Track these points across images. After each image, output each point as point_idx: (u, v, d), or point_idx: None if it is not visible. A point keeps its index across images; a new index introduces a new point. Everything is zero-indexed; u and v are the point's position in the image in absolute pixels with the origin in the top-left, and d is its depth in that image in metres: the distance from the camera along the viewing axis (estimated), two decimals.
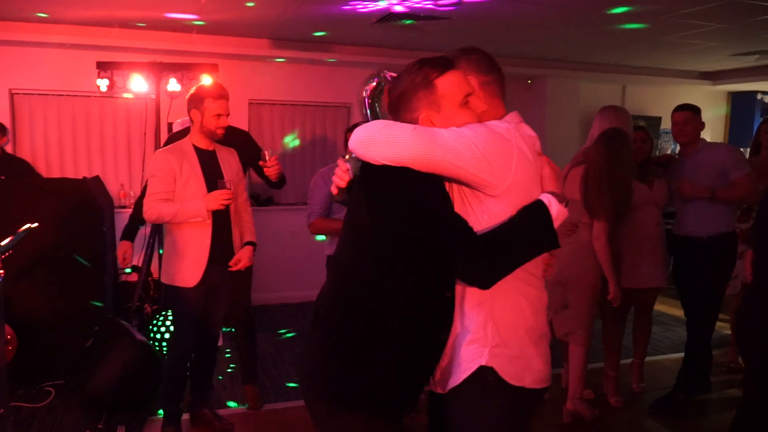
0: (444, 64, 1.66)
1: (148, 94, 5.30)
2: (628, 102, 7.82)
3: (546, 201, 1.61)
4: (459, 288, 1.69)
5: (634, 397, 4.07)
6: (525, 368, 1.66)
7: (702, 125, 3.86)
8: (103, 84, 4.98)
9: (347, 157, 1.75)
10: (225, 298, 3.42)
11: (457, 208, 1.66)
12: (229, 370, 4.46)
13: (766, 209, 2.39)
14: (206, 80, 5.03)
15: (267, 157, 3.49)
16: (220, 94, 3.16)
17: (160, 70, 4.97)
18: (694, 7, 4.22)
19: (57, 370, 4.16)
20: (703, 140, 3.85)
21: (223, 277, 3.33)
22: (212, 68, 5.12)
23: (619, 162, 3.36)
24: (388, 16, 4.67)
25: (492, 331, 1.65)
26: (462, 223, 1.57)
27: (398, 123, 1.62)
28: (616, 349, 4.01)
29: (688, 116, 3.80)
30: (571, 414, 3.67)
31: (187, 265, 3.17)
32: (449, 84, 1.64)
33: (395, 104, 1.69)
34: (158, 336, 4.47)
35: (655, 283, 3.87)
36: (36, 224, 3.08)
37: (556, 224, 1.61)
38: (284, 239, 5.98)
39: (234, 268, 3.30)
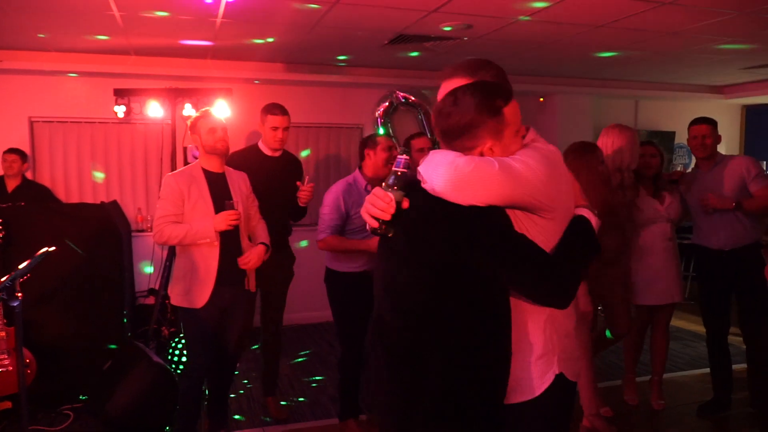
0: (508, 93, 1.68)
1: (164, 120, 5.39)
2: (641, 117, 7.81)
3: (585, 214, 1.77)
4: (519, 305, 1.72)
5: (654, 414, 4.02)
6: (575, 363, 1.83)
7: (719, 138, 3.89)
8: (120, 110, 5.09)
9: (387, 185, 1.67)
10: (239, 320, 3.44)
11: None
12: (242, 391, 4.47)
13: None
14: (220, 104, 5.14)
15: (306, 181, 3.72)
16: (206, 114, 3.33)
17: (175, 95, 5.07)
18: (707, 21, 4.22)
19: (75, 393, 4.20)
20: (720, 153, 3.86)
21: (236, 298, 3.36)
22: (227, 92, 5.22)
23: (581, 175, 3.37)
24: (399, 38, 4.73)
25: (557, 340, 1.76)
26: (541, 250, 1.63)
27: (482, 161, 1.60)
28: (635, 357, 4.14)
29: (709, 130, 3.83)
30: (587, 430, 3.64)
31: (196, 285, 3.20)
32: (513, 113, 1.67)
33: (457, 131, 1.65)
34: (175, 358, 4.51)
35: (672, 299, 3.86)
36: (53, 248, 3.13)
37: (596, 233, 1.76)
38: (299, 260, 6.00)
39: (242, 266, 3.27)
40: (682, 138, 7.95)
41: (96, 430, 3.75)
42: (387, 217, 1.65)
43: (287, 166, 3.88)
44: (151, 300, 5.46)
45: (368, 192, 3.41)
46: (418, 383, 1.64)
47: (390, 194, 1.65)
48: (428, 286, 1.64)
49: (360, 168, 3.58)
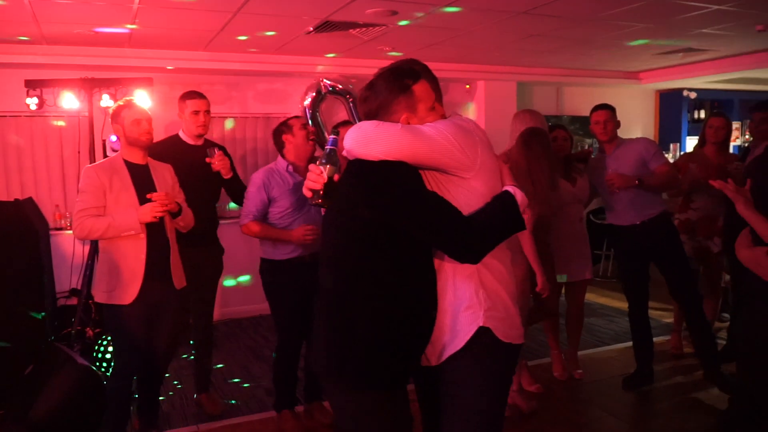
0: (416, 74, 1.90)
1: (81, 112, 5.16)
2: (564, 103, 8.06)
3: (512, 190, 1.90)
4: (449, 265, 1.89)
5: (581, 387, 4.18)
6: (510, 326, 1.91)
7: (618, 123, 4.09)
8: (32, 103, 4.84)
9: (320, 162, 1.87)
10: (169, 317, 3.33)
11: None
12: (173, 392, 4.36)
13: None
14: (140, 95, 4.96)
15: (212, 154, 3.61)
16: (130, 105, 3.21)
17: (91, 86, 4.86)
18: (619, 8, 4.39)
19: None
20: (620, 137, 4.10)
21: (166, 294, 3.25)
22: (147, 82, 5.04)
23: (539, 159, 3.50)
24: (324, 24, 4.68)
25: (483, 297, 1.87)
26: (454, 209, 1.78)
27: (386, 123, 1.84)
28: (555, 332, 4.37)
29: (609, 115, 4.04)
30: (509, 407, 3.75)
31: (122, 282, 3.09)
32: (423, 90, 1.90)
33: (374, 111, 1.90)
34: (103, 359, 4.34)
35: (583, 276, 4.12)
36: None
37: (521, 209, 1.88)
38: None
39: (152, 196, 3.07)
40: None
41: None
42: (318, 186, 1.84)
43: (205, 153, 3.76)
44: (73, 301, 5.23)
45: (290, 173, 3.42)
46: (351, 338, 1.80)
47: (321, 168, 1.84)
48: (353, 242, 1.84)
49: (282, 156, 3.55)
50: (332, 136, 1.92)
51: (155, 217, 3.04)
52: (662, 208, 4.01)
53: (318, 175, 1.85)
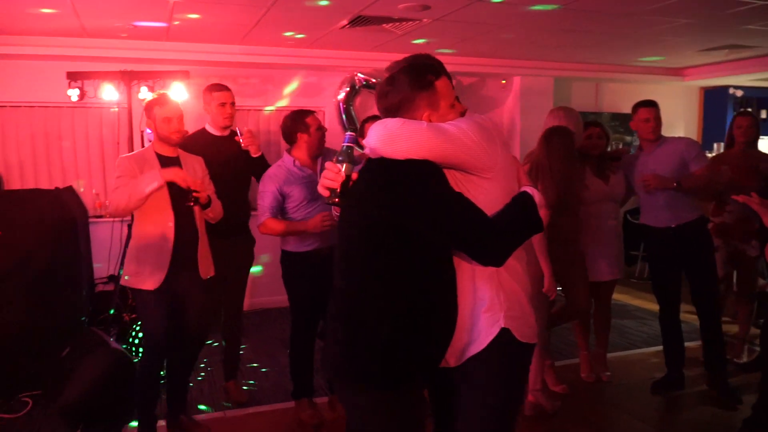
0: (438, 70, 1.88)
1: (120, 103, 5.30)
2: (602, 99, 7.91)
3: (530, 191, 1.88)
4: (468, 266, 1.87)
5: (609, 390, 4.13)
6: (527, 326, 1.92)
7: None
8: (74, 94, 4.98)
9: (337, 159, 1.85)
10: (196, 305, 3.41)
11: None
12: (202, 374, 4.45)
13: None
14: (177, 87, 5.06)
15: (240, 132, 3.71)
16: (162, 102, 3.25)
17: (130, 78, 4.98)
18: (661, 3, 4.28)
19: (34, 381, 4.15)
20: (662, 135, 3.96)
21: (192, 283, 3.33)
22: (183, 75, 5.14)
23: (559, 156, 3.49)
24: (357, 19, 4.70)
25: (503, 298, 1.87)
26: (478, 211, 1.75)
27: (411, 120, 1.79)
28: (585, 334, 4.30)
29: (653, 112, 3.90)
30: (533, 406, 3.73)
31: (149, 267, 3.18)
32: (444, 86, 1.88)
33: (395, 107, 1.85)
34: (138, 344, 4.47)
35: (613, 276, 4.03)
36: None
37: (540, 211, 1.86)
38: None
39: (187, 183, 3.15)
40: None
41: (54, 416, 3.71)
42: (336, 185, 1.83)
43: (237, 144, 3.83)
44: (111, 287, 5.38)
45: (297, 167, 3.43)
46: (361, 338, 1.78)
47: (338, 166, 1.83)
48: (371, 244, 1.80)
49: (288, 152, 3.58)
50: (349, 134, 1.89)
51: (177, 177, 3.07)
52: (699, 213, 3.89)
53: (336, 174, 1.83)
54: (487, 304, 1.86)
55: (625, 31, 5.25)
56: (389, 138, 1.74)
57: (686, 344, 4.11)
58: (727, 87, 8.01)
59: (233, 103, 3.82)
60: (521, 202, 1.84)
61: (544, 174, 3.46)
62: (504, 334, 1.85)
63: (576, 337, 4.35)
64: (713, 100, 8.27)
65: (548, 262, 3.45)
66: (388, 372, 1.78)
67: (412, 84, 1.82)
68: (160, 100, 3.27)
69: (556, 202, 3.45)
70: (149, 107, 3.27)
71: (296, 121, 3.54)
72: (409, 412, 1.85)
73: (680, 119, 8.37)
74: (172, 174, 3.09)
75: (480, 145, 1.77)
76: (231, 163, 3.73)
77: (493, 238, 1.75)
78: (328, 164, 1.86)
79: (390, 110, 1.86)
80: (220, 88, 3.81)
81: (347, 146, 1.86)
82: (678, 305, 4.02)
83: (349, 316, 1.82)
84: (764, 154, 4.71)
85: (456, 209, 1.73)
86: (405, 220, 1.73)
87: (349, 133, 1.90)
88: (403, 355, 1.78)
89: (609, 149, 4.16)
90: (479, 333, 1.86)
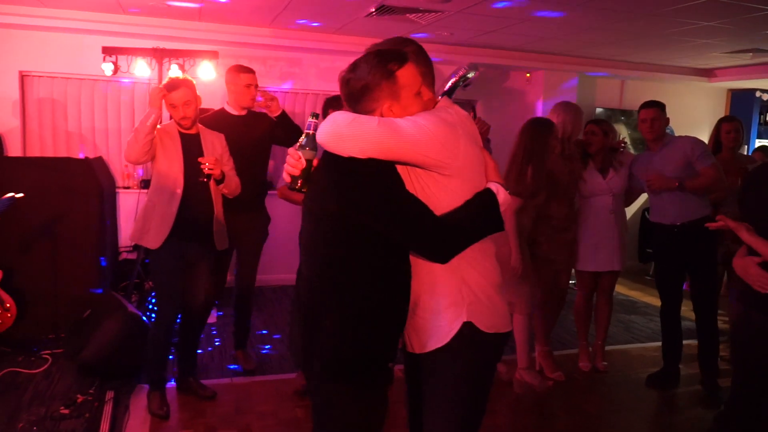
0: (402, 58, 1.79)
1: (152, 79, 5.48)
2: (627, 97, 7.89)
3: (494, 189, 1.84)
4: (426, 261, 1.84)
5: (604, 380, 4.23)
6: (496, 316, 1.89)
7: (667, 121, 4.02)
8: (107, 68, 5.17)
9: (300, 145, 1.84)
10: (206, 277, 3.61)
11: (414, 190, 1.80)
12: (212, 347, 4.66)
13: (744, 206, 2.48)
14: (205, 67, 5.24)
15: (260, 95, 3.88)
16: (172, 86, 3.38)
17: (162, 55, 5.16)
18: (686, 3, 4.31)
19: (54, 339, 4.39)
20: (669, 134, 4.03)
21: (205, 254, 3.54)
22: (212, 55, 5.31)
23: (532, 145, 3.67)
24: (381, 8, 4.81)
25: (466, 292, 1.85)
26: (424, 208, 1.74)
27: (362, 117, 1.74)
28: (585, 324, 4.37)
29: (656, 113, 3.96)
30: (520, 384, 3.88)
31: (153, 227, 3.37)
32: (408, 75, 1.79)
33: (357, 95, 1.79)
34: (154, 310, 4.69)
35: (612, 267, 4.15)
36: (21, 194, 3.27)
37: (502, 209, 1.84)
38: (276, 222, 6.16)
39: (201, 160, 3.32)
40: None
41: (72, 373, 3.93)
42: (296, 172, 1.83)
43: (255, 123, 4.00)
44: (134, 255, 5.61)
45: None
46: (315, 328, 1.79)
47: (300, 153, 1.83)
48: (327, 234, 1.79)
49: None
50: (311, 120, 1.87)
51: (161, 94, 3.29)
52: (706, 212, 3.93)
53: (297, 161, 1.82)
54: (449, 299, 1.85)
55: (650, 31, 5.27)
56: (336, 136, 1.71)
57: (686, 342, 4.20)
58: (754, 90, 7.95)
59: (257, 86, 3.98)
60: (480, 199, 1.82)
61: (516, 160, 3.68)
62: (467, 327, 1.84)
63: (576, 327, 4.46)
64: (739, 102, 8.21)
65: (517, 241, 3.64)
66: (339, 365, 1.77)
67: (373, 72, 1.75)
68: (167, 86, 3.40)
69: (534, 189, 3.64)
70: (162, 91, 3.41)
71: (334, 99, 3.62)
72: (371, 406, 1.84)
73: (706, 120, 8.31)
74: (155, 92, 3.29)
75: (437, 141, 1.72)
76: (249, 141, 3.90)
77: (437, 236, 1.74)
78: (289, 151, 1.85)
79: (351, 98, 1.80)
80: (247, 70, 3.96)
81: (309, 133, 1.84)
82: (679, 302, 4.10)
83: (307, 305, 1.84)
84: (750, 157, 4.77)
85: (399, 206, 1.71)
86: (353, 217, 1.72)
87: (311, 120, 1.87)
88: (361, 348, 1.77)
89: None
90: (441, 327, 1.86)
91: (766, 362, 2.27)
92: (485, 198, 1.82)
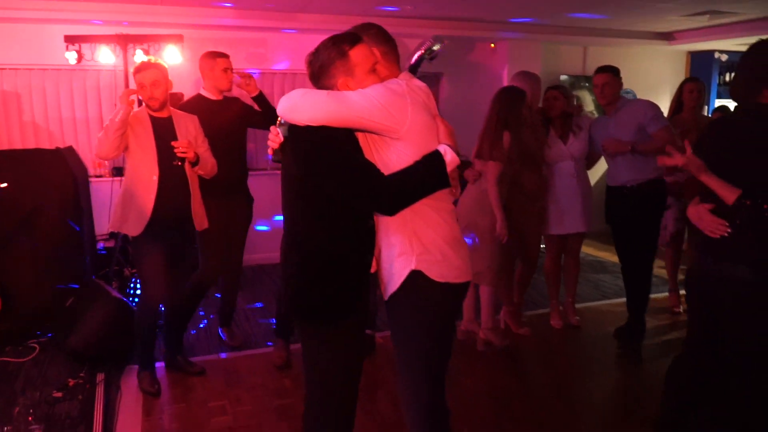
0: (354, 39, 2.05)
1: (117, 66, 5.47)
2: (590, 63, 8.04)
3: (442, 150, 2.05)
4: (382, 217, 2.11)
5: (575, 335, 4.45)
6: (447, 267, 2.10)
7: (620, 85, 4.15)
8: (71, 57, 5.15)
9: (279, 122, 2.08)
10: (188, 259, 3.70)
11: (368, 153, 2.07)
12: (198, 327, 4.75)
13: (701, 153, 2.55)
14: (171, 51, 5.24)
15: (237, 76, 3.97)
16: (140, 68, 3.44)
17: (126, 42, 5.14)
18: None
19: (41, 329, 4.44)
20: (623, 98, 4.15)
21: (185, 236, 3.62)
22: (177, 39, 5.30)
23: (505, 112, 3.80)
24: None
25: (416, 243, 2.08)
26: (371, 167, 2.00)
27: (314, 90, 2.02)
28: (555, 285, 4.60)
29: (607, 78, 4.09)
30: (483, 342, 4.11)
31: (132, 215, 3.43)
32: (360, 54, 2.04)
33: (316, 74, 2.06)
34: (136, 295, 4.75)
35: (577, 229, 4.33)
36: (5, 184, 3.28)
37: (449, 168, 2.04)
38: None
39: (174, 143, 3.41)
40: (628, 83, 8.20)
41: (60, 359, 4.00)
42: (276, 146, 2.10)
43: (231, 107, 4.06)
44: (112, 243, 5.64)
45: None
46: (294, 278, 2.09)
47: (279, 130, 2.08)
48: (297, 194, 2.07)
49: None
50: None
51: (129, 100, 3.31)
52: (656, 174, 4.06)
53: (276, 136, 2.08)
54: (399, 250, 2.09)
55: None
56: (291, 107, 1.98)
57: (652, 296, 4.41)
58: (712, 51, 8.15)
59: (233, 69, 4.03)
60: (426, 159, 2.02)
61: (491, 127, 3.80)
62: (417, 275, 2.07)
63: (547, 287, 4.66)
64: (699, 64, 8.41)
65: (501, 210, 3.78)
66: (310, 305, 2.06)
67: (328, 53, 2.01)
68: (137, 67, 3.47)
69: (510, 156, 3.79)
70: (133, 74, 3.49)
71: None
72: (351, 343, 2.13)
73: (667, 83, 8.52)
74: (124, 96, 3.31)
75: (383, 108, 1.95)
76: (227, 125, 3.96)
77: (381, 192, 1.97)
78: (271, 128, 2.11)
79: (313, 77, 2.07)
80: (222, 54, 3.99)
81: None
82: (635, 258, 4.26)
83: (284, 256, 2.11)
84: (710, 117, 4.94)
85: (346, 168, 1.97)
86: (311, 179, 1.98)
87: None
88: (321, 290, 2.05)
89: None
90: (393, 275, 2.11)
91: (718, 306, 2.43)
92: (432, 158, 2.02)
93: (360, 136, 2.06)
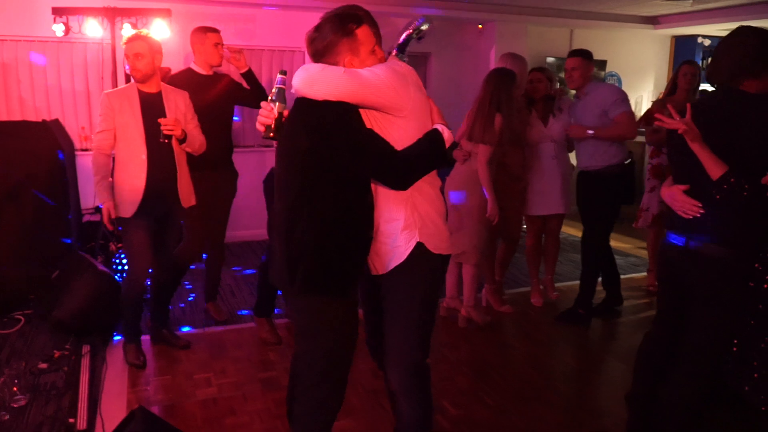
0: (360, 19, 2.10)
1: (104, 39, 5.44)
2: (576, 45, 8.10)
3: (440, 129, 2.16)
4: (384, 191, 2.18)
5: (552, 313, 4.54)
6: (441, 240, 2.24)
7: (591, 69, 4.15)
8: (59, 29, 5.11)
9: (270, 99, 2.11)
10: (175, 232, 3.74)
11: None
12: (184, 302, 4.81)
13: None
14: (158, 25, 5.22)
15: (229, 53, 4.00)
16: (128, 39, 3.47)
17: (113, 15, 5.11)
18: None
19: (25, 301, 4.47)
20: (591, 84, 4.14)
21: (172, 212, 3.65)
22: (165, 13, 5.28)
23: (498, 94, 3.83)
24: None
25: (417, 217, 2.19)
26: (385, 143, 2.06)
27: (330, 66, 2.05)
28: (536, 264, 4.70)
29: (576, 62, 4.10)
30: (465, 320, 4.22)
31: (126, 196, 3.46)
32: (365, 34, 2.10)
33: (321, 51, 2.09)
34: (123, 270, 4.79)
35: (556, 210, 4.42)
36: None
37: (447, 146, 2.15)
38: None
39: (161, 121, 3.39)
40: (613, 66, 8.34)
41: (46, 331, 4.03)
42: (269, 122, 2.12)
43: (221, 82, 4.08)
44: (97, 217, 5.64)
45: None
46: (294, 250, 2.09)
47: (272, 105, 2.11)
48: (298, 169, 2.07)
49: None
50: (280, 76, 2.14)
51: (106, 214, 3.44)
52: (621, 157, 4.09)
53: (269, 112, 2.10)
54: (403, 224, 2.18)
55: None
56: (309, 81, 2.00)
57: (633, 275, 4.53)
58: (695, 36, 8.24)
59: (222, 44, 4.06)
60: (428, 137, 2.12)
61: (482, 110, 3.83)
62: (419, 247, 2.18)
63: (528, 267, 4.77)
64: (683, 48, 8.50)
65: (492, 191, 3.85)
66: (326, 278, 2.09)
67: (335, 31, 2.05)
68: (127, 39, 3.49)
69: (501, 138, 3.83)
70: (124, 47, 3.52)
71: None
72: (348, 313, 2.19)
73: (651, 66, 8.63)
74: (105, 208, 3.44)
75: (392, 87, 2.02)
76: (216, 101, 3.99)
77: (397, 167, 2.05)
78: (263, 103, 2.14)
79: (317, 54, 2.10)
80: (213, 29, 4.02)
81: (279, 87, 2.12)
82: (607, 238, 4.31)
83: (286, 232, 2.11)
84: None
85: (365, 143, 2.02)
86: (324, 152, 2.00)
87: (280, 75, 2.15)
88: (336, 264, 2.09)
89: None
90: (399, 247, 2.18)
91: (686, 281, 2.52)
92: (434, 136, 2.14)
93: (362, 113, 2.10)
